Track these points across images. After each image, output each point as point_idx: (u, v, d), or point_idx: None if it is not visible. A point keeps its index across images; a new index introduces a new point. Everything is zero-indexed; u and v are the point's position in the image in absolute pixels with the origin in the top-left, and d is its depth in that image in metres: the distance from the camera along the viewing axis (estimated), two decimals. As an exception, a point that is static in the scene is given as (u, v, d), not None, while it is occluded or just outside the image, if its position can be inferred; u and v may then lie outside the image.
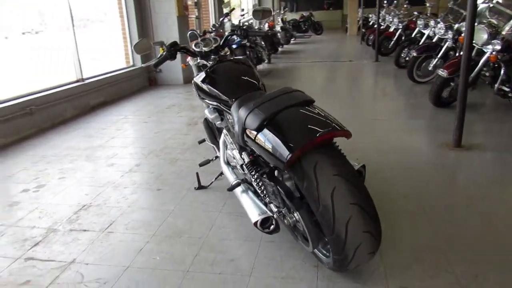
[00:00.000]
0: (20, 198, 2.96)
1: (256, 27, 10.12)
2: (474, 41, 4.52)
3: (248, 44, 7.66)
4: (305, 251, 2.11)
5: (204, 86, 2.50)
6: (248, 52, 7.57)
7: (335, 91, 6.67)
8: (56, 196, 2.97)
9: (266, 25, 11.49)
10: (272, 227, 2.02)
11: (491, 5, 4.99)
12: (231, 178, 2.48)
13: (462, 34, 4.79)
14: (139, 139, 4.27)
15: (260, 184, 2.05)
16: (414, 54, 6.14)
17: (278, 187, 1.94)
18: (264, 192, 2.06)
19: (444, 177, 3.09)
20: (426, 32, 7.11)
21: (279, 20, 14.60)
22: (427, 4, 8.13)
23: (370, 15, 13.54)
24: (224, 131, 2.62)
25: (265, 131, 1.83)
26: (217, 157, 2.93)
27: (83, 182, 3.18)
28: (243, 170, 2.28)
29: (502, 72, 4.46)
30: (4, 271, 2.11)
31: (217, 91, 2.40)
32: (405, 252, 2.14)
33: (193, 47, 2.68)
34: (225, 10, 7.96)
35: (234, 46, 7.43)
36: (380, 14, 11.27)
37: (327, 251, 1.95)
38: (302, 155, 1.74)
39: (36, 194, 3.00)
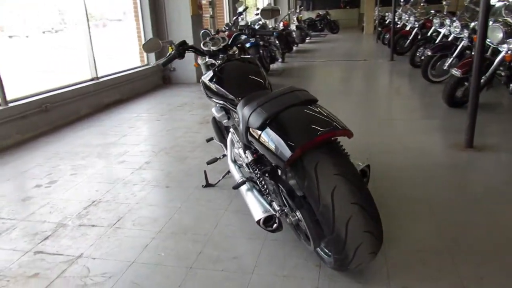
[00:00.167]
0: (32, 193, 3.03)
1: (270, 27, 10.11)
2: (489, 40, 4.46)
3: (261, 43, 7.67)
4: (308, 250, 2.11)
5: (212, 85, 2.52)
6: (261, 51, 7.58)
7: (348, 90, 6.62)
8: (67, 191, 3.03)
9: (281, 24, 11.48)
10: (275, 225, 2.03)
11: (507, 3, 4.89)
12: (237, 176, 2.50)
13: (478, 33, 4.70)
14: (150, 137, 4.33)
15: (262, 182, 2.07)
16: (429, 53, 6.05)
17: (280, 186, 1.96)
18: (267, 190, 2.07)
19: (453, 178, 3.05)
20: (442, 31, 7.01)
21: (295, 19, 14.57)
22: (444, 2, 8.01)
23: (387, 14, 13.38)
24: (231, 129, 2.64)
25: (268, 130, 1.84)
26: (224, 155, 2.96)
27: (94, 179, 3.24)
28: (248, 169, 2.29)
29: (518, 71, 4.38)
30: (14, 263, 2.17)
31: (223, 90, 2.42)
32: (409, 253, 2.13)
33: (202, 46, 2.70)
34: (239, 9, 7.96)
35: (247, 45, 7.45)
36: (397, 13, 11.16)
37: (329, 251, 1.95)
38: (303, 154, 1.74)
39: (48, 190, 3.07)
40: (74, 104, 5.09)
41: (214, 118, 2.99)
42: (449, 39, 6.27)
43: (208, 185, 3.02)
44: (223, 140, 2.98)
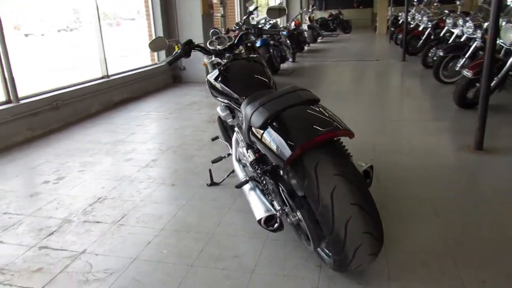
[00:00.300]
0: (40, 189, 3.07)
1: (281, 26, 10.09)
2: (502, 41, 4.39)
3: (271, 42, 7.66)
4: (309, 250, 2.10)
5: (217, 84, 2.53)
6: (271, 50, 7.57)
7: (358, 90, 6.58)
8: (74, 188, 3.07)
9: (293, 23, 11.46)
10: (276, 225, 2.02)
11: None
12: (241, 176, 2.50)
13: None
14: (158, 135, 4.35)
15: (264, 182, 2.07)
16: (441, 53, 5.98)
17: (281, 186, 1.95)
18: (268, 190, 2.07)
19: (460, 180, 3.01)
20: (455, 31, 6.92)
21: (307, 18, 14.52)
22: (458, 2, 7.90)
23: (400, 14, 13.26)
24: (236, 129, 2.64)
25: (269, 129, 1.84)
26: (229, 154, 2.96)
27: (101, 175, 3.28)
28: (251, 168, 2.29)
29: (531, 73, 4.30)
30: (19, 258, 2.21)
31: (228, 89, 2.42)
32: (411, 254, 2.11)
33: (208, 45, 2.71)
34: (250, 9, 7.96)
35: (258, 45, 7.45)
36: (410, 13, 11.04)
37: (329, 251, 1.94)
38: (304, 154, 1.74)
39: (55, 186, 3.11)
40: (84, 101, 5.15)
41: (219, 117, 3.00)
42: (462, 40, 6.18)
43: (213, 183, 3.02)
44: (228, 139, 2.99)
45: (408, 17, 11.19)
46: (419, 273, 1.97)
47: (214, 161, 3.03)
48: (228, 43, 2.67)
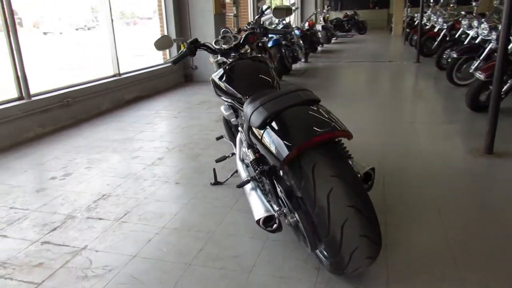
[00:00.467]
0: (47, 185, 3.12)
1: (294, 26, 10.06)
2: (515, 43, 4.29)
3: (284, 42, 7.64)
4: (308, 252, 2.08)
5: (221, 83, 2.53)
6: (283, 51, 7.55)
7: (369, 92, 6.51)
8: (80, 184, 3.10)
9: (306, 24, 11.42)
10: (274, 226, 2.01)
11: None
12: (244, 175, 2.49)
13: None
14: (166, 134, 4.38)
15: (262, 182, 2.05)
16: (454, 55, 5.88)
17: (279, 186, 1.94)
18: (266, 190, 2.06)
19: (467, 183, 2.95)
20: (470, 32, 6.79)
21: (321, 19, 14.45)
22: (473, 4, 7.76)
23: (416, 15, 13.09)
24: (240, 128, 2.64)
25: (268, 129, 1.83)
26: (233, 154, 2.95)
27: (107, 173, 3.31)
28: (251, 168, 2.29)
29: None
30: (21, 252, 2.24)
31: (232, 89, 2.42)
32: (413, 258, 2.07)
33: (213, 44, 2.71)
34: (262, 8, 7.97)
35: (269, 45, 7.44)
36: (426, 14, 10.90)
37: (326, 253, 1.92)
38: (302, 154, 1.72)
39: (62, 182, 3.15)
40: (95, 99, 5.21)
41: (224, 117, 3.00)
42: (477, 41, 6.07)
43: (216, 183, 3.03)
44: (232, 138, 2.98)
45: (424, 18, 11.07)
46: (419, 277, 1.94)
47: (218, 160, 3.03)
48: (234, 43, 2.66)
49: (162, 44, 2.76)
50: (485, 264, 2.02)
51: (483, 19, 5.96)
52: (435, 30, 9.46)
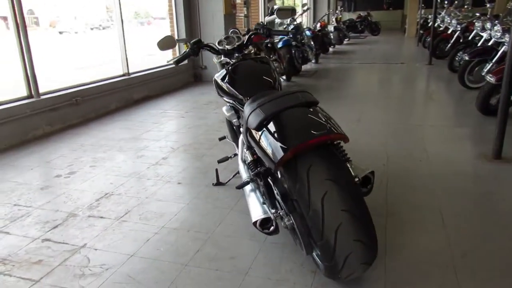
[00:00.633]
0: (52, 182, 3.15)
1: (305, 27, 10.02)
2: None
3: (294, 43, 7.61)
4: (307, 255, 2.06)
5: (223, 84, 2.53)
6: (293, 51, 7.52)
7: (378, 94, 6.45)
8: (84, 183, 3.13)
9: (318, 24, 11.37)
10: (271, 228, 2.00)
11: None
12: (245, 177, 2.48)
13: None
14: (172, 133, 4.39)
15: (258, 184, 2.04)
16: (466, 58, 5.79)
17: (275, 189, 1.92)
18: (262, 192, 2.05)
19: (473, 189, 2.90)
20: (484, 35, 6.68)
21: (333, 19, 14.38)
22: (487, 5, 7.63)
23: (430, 16, 12.93)
24: (241, 129, 2.63)
25: (264, 131, 1.82)
26: (236, 154, 2.95)
27: (111, 171, 3.33)
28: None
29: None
30: (22, 249, 2.26)
31: (233, 90, 2.42)
32: (412, 265, 2.04)
33: (217, 45, 2.71)
34: (274, 8, 7.95)
35: (279, 45, 7.42)
36: (440, 15, 10.77)
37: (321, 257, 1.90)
38: (297, 157, 1.71)
39: (66, 180, 3.18)
40: (104, 98, 5.26)
41: (228, 117, 3.00)
42: (490, 44, 5.96)
43: (218, 183, 3.02)
44: (235, 139, 2.98)
45: (438, 19, 10.93)
46: (417, 284, 1.91)
47: (220, 161, 3.03)
48: (237, 43, 2.66)
49: (165, 44, 2.76)
50: (486, 274, 1.97)
51: (496, 21, 5.86)
52: (449, 32, 9.34)
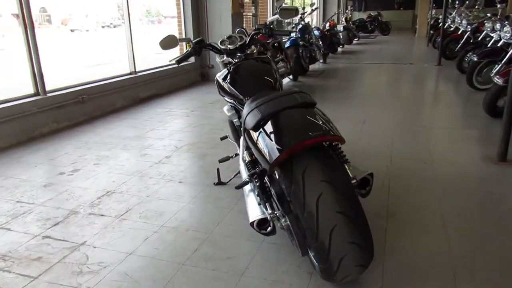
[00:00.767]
0: (55, 180, 3.18)
1: (313, 27, 9.98)
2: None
3: (301, 43, 7.58)
4: (305, 256, 2.05)
5: (224, 84, 2.53)
6: (301, 51, 7.50)
7: (385, 94, 6.40)
8: (87, 180, 3.15)
9: (327, 24, 11.32)
10: (269, 229, 1.99)
11: None
12: (244, 176, 2.48)
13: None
14: (176, 132, 4.40)
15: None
16: (475, 58, 5.71)
17: (272, 189, 1.92)
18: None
19: (476, 191, 2.86)
20: (494, 35, 6.59)
21: (343, 19, 14.31)
22: (498, 6, 7.53)
23: (441, 16, 12.79)
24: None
25: (261, 131, 1.81)
26: (237, 154, 2.95)
27: (114, 170, 3.35)
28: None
29: None
30: (22, 246, 2.29)
31: (234, 90, 2.42)
32: (410, 267, 2.02)
33: (219, 44, 2.71)
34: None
35: (287, 45, 7.41)
36: (451, 15, 10.65)
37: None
38: (293, 158, 1.70)
39: (69, 178, 3.21)
40: (110, 96, 5.29)
41: (230, 117, 2.99)
42: (499, 45, 5.88)
43: (219, 183, 3.03)
44: (237, 139, 2.98)
45: (449, 20, 10.81)
46: (415, 286, 1.89)
47: (221, 161, 3.03)
48: (239, 43, 2.65)
49: (167, 43, 2.77)
50: (486, 276, 1.95)
51: (506, 22, 5.77)
52: (459, 32, 9.23)
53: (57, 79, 6.17)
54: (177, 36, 2.81)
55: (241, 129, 2.62)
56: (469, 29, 8.74)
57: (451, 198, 2.74)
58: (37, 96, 4.35)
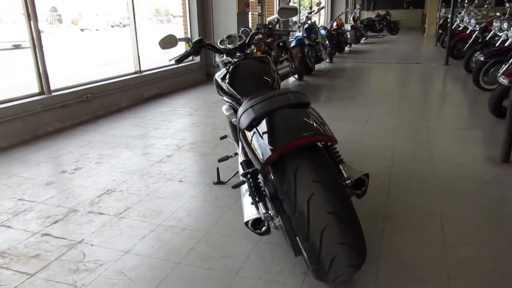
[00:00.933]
0: (57, 178, 3.21)
1: (320, 26, 9.94)
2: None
3: (307, 42, 7.56)
4: (299, 256, 2.05)
5: (222, 84, 2.53)
6: (306, 50, 7.47)
7: (391, 94, 6.35)
8: (88, 179, 3.18)
9: (335, 23, 11.27)
10: (263, 228, 1.99)
11: None
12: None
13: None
14: (179, 131, 4.42)
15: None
16: (481, 58, 5.65)
17: (266, 189, 1.92)
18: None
19: (477, 193, 2.83)
20: (502, 35, 6.51)
21: (351, 18, 14.24)
22: (507, 4, 7.43)
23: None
24: (240, 129, 2.63)
25: (254, 131, 1.81)
26: (236, 153, 2.95)
27: (116, 168, 3.38)
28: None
29: None
30: (21, 243, 2.32)
31: (232, 89, 2.42)
32: (405, 270, 2.01)
33: (218, 44, 2.72)
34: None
35: (292, 44, 7.39)
36: (460, 14, 10.54)
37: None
38: (286, 158, 1.70)
39: (71, 176, 3.24)
40: (115, 96, 5.33)
41: (230, 116, 3.00)
42: (506, 44, 5.81)
43: (219, 182, 3.03)
44: (236, 138, 2.98)
45: (458, 19, 10.71)
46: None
47: (220, 160, 3.04)
48: (239, 43, 2.65)
49: (166, 43, 2.77)
50: (481, 282, 1.92)
51: (513, 21, 5.70)
52: (467, 31, 9.14)
53: (65, 78, 6.23)
54: (178, 35, 2.81)
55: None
56: (478, 29, 8.65)
57: (452, 199, 2.71)
58: (41, 95, 4.39)
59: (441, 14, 13.87)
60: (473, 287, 1.88)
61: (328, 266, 1.64)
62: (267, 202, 1.99)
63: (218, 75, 2.65)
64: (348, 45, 12.28)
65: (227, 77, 2.50)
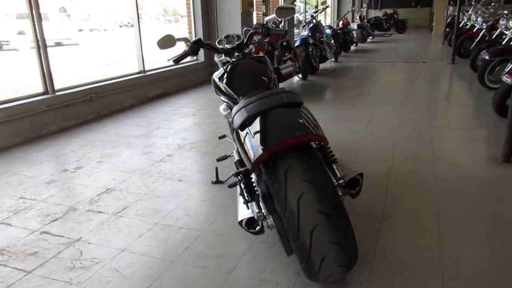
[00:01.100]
0: (58, 177, 3.25)
1: (325, 25, 9.91)
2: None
3: (311, 41, 7.55)
4: (293, 256, 2.06)
5: (220, 83, 2.54)
6: (311, 49, 7.46)
7: (395, 93, 6.31)
8: (89, 178, 3.21)
9: (341, 22, 11.23)
10: (257, 228, 2.00)
11: None
12: (238, 176, 2.49)
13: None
14: (181, 131, 4.44)
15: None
16: (487, 57, 5.59)
17: (259, 189, 1.93)
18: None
19: (477, 193, 2.81)
20: (508, 33, 6.44)
21: (357, 17, 14.18)
22: (514, 3, 7.34)
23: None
24: (237, 128, 2.64)
25: (247, 131, 1.82)
26: (235, 153, 2.96)
27: (116, 167, 3.40)
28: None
29: None
30: (20, 241, 2.35)
31: (228, 89, 2.43)
32: (399, 270, 2.00)
33: (217, 44, 2.73)
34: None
35: (296, 44, 7.38)
36: (468, 13, 10.45)
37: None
38: (277, 158, 1.70)
39: (72, 175, 3.28)
40: (118, 95, 5.37)
41: (230, 116, 3.01)
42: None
43: (217, 181, 3.05)
44: (235, 138, 2.99)
45: (465, 17, 10.61)
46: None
47: (219, 160, 3.05)
48: (237, 42, 2.66)
49: (165, 43, 2.78)
50: (476, 284, 1.91)
51: (519, 19, 5.64)
52: (474, 30, 9.05)
53: (71, 78, 6.28)
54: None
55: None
56: (484, 27, 8.57)
57: (450, 199, 2.70)
58: (46, 95, 4.44)
59: (449, 12, 13.75)
60: (465, 286, 1.87)
61: (319, 265, 1.64)
62: (260, 202, 2.00)
63: (216, 75, 2.66)
64: (354, 44, 12.23)
65: (225, 76, 2.51)
